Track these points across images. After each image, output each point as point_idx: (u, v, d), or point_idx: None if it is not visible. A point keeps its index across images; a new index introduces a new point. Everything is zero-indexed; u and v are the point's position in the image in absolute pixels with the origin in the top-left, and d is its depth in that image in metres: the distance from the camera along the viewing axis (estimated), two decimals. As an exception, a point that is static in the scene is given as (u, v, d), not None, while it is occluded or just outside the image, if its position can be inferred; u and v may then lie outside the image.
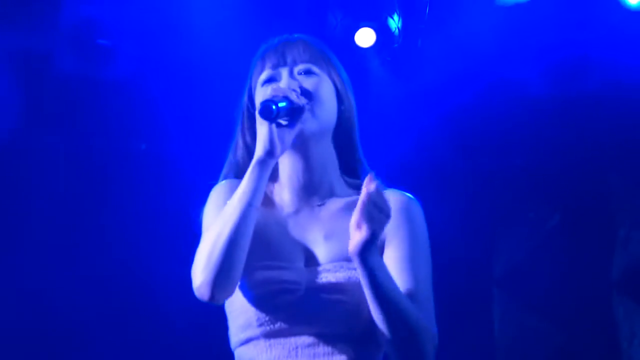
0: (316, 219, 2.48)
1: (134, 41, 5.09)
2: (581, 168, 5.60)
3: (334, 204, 2.49)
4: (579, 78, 5.19)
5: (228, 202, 2.39)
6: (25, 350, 5.27)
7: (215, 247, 2.33)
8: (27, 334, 5.28)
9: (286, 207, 2.51)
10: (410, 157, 5.44)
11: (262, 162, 2.38)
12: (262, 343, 2.40)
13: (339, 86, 2.53)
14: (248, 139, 2.55)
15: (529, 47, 5.20)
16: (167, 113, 5.25)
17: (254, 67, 2.56)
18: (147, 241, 5.33)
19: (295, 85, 2.46)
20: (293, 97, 2.39)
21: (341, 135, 2.54)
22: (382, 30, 5.02)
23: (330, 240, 2.43)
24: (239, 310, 2.42)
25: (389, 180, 2.56)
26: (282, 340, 2.38)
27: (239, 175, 2.54)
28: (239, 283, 2.39)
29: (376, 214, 2.23)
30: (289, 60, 2.51)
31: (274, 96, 2.38)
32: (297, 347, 2.38)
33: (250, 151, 2.52)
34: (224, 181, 2.55)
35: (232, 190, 2.46)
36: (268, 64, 2.52)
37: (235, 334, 2.45)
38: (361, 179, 2.55)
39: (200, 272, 2.34)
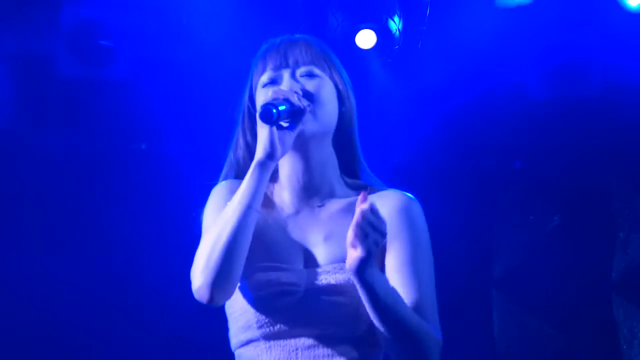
0: (316, 220, 2.47)
1: (134, 42, 5.09)
2: (581, 170, 5.60)
3: (334, 205, 2.48)
4: (579, 80, 5.18)
5: (228, 203, 2.38)
6: (25, 351, 5.27)
7: (215, 249, 2.33)
8: (27, 334, 5.28)
9: (286, 208, 2.50)
10: (411, 159, 5.44)
11: (263, 164, 2.37)
12: (262, 345, 2.40)
13: (340, 87, 2.53)
14: (248, 138, 2.54)
15: (529, 49, 5.20)
16: (167, 113, 5.25)
17: (254, 66, 2.55)
18: (148, 241, 5.33)
19: (297, 88, 2.45)
20: (294, 99, 2.38)
21: (341, 136, 2.54)
22: (382, 32, 5.02)
23: (330, 242, 2.43)
24: (239, 312, 2.42)
25: (390, 181, 2.56)
26: (282, 342, 2.38)
27: (239, 175, 2.54)
28: (238, 284, 2.39)
29: (370, 233, 2.22)
30: (290, 61, 2.50)
31: (274, 99, 2.37)
32: (297, 349, 2.38)
33: (250, 150, 2.52)
34: (224, 181, 2.54)
35: (232, 190, 2.46)
36: (269, 65, 2.51)
37: (236, 336, 2.45)
38: (361, 179, 2.56)
39: (200, 274, 2.34)
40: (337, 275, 2.38)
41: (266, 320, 2.38)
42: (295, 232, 2.47)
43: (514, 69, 5.29)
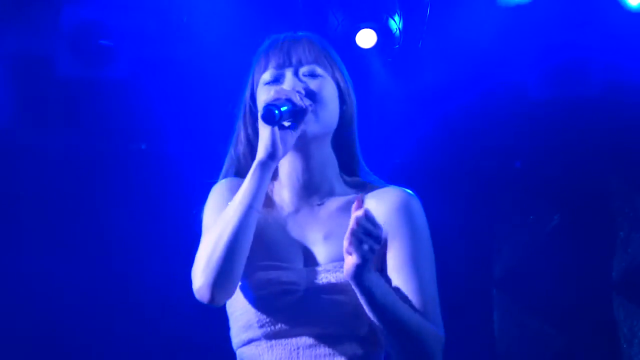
0: (316, 218, 2.47)
1: (134, 42, 5.09)
2: (581, 170, 5.60)
3: (334, 203, 2.48)
4: (580, 80, 5.18)
5: (229, 203, 2.38)
6: (25, 351, 5.27)
7: (216, 249, 2.33)
8: (27, 334, 5.28)
9: (286, 206, 2.50)
10: (411, 158, 5.44)
11: (264, 164, 2.37)
12: (264, 344, 2.39)
13: (342, 86, 2.52)
14: (250, 134, 2.54)
15: (529, 48, 5.20)
16: (167, 113, 5.25)
17: (256, 63, 2.54)
18: (148, 241, 5.33)
19: (299, 87, 2.44)
20: (296, 99, 2.37)
21: (341, 135, 2.53)
22: (383, 31, 5.02)
23: (330, 240, 2.43)
24: (240, 312, 2.41)
25: (390, 181, 2.56)
26: (283, 342, 2.38)
27: (239, 171, 2.53)
28: (239, 284, 2.39)
29: (365, 239, 2.22)
30: (294, 60, 2.49)
31: (276, 99, 2.36)
32: (298, 348, 2.38)
33: (251, 147, 2.51)
34: (224, 180, 2.54)
35: (232, 189, 2.46)
36: (272, 63, 2.50)
37: (237, 335, 2.44)
38: (360, 177, 2.55)
39: (200, 274, 2.34)
40: (338, 273, 2.37)
41: (267, 320, 2.37)
42: (295, 231, 2.47)
43: (514, 68, 5.28)
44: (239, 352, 2.45)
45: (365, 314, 2.34)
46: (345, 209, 2.44)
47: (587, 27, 5.10)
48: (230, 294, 2.37)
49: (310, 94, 2.44)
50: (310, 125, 2.42)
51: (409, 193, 2.48)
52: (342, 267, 2.35)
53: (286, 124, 2.37)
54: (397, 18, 5.00)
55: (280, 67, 2.49)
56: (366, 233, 2.22)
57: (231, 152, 2.57)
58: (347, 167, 2.56)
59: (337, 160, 2.53)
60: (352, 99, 2.55)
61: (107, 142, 5.44)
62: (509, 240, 5.75)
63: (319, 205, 2.48)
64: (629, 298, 5.55)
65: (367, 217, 2.22)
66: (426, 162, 5.52)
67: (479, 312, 5.67)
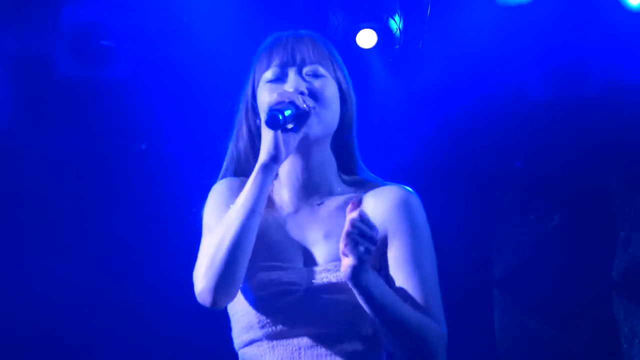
0: (315, 218, 2.47)
1: (134, 42, 5.08)
2: (582, 170, 5.60)
3: (333, 203, 2.48)
4: (580, 80, 5.18)
5: (231, 206, 2.38)
6: (26, 351, 5.27)
7: (218, 253, 2.33)
8: (27, 334, 5.28)
9: (285, 206, 2.50)
10: (411, 158, 5.44)
11: (266, 167, 2.37)
12: (265, 344, 2.40)
13: (343, 87, 2.52)
14: (251, 130, 2.53)
15: (529, 48, 5.19)
16: (168, 113, 5.25)
17: (258, 59, 2.53)
18: (148, 242, 5.33)
19: (303, 87, 2.44)
20: (299, 101, 2.37)
21: (340, 135, 2.53)
22: (383, 32, 5.01)
23: (330, 240, 2.43)
24: (241, 313, 2.42)
25: (390, 180, 2.56)
26: (284, 342, 2.38)
27: (239, 169, 2.53)
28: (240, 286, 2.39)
29: (361, 241, 2.22)
30: (298, 59, 2.48)
31: (279, 102, 2.36)
32: (300, 348, 2.38)
33: (253, 142, 2.52)
34: (223, 180, 2.54)
35: (231, 189, 2.46)
36: (275, 61, 2.49)
37: (239, 336, 2.45)
38: (358, 175, 2.55)
39: (202, 278, 2.34)
40: (338, 273, 2.36)
41: (268, 320, 2.38)
42: (295, 231, 2.47)
43: (514, 68, 5.28)
44: (240, 353, 2.45)
45: (366, 313, 2.34)
46: (345, 208, 2.42)
47: (587, 27, 5.09)
48: (232, 298, 2.37)
49: (314, 94, 2.44)
50: (312, 127, 2.42)
51: (408, 190, 2.49)
52: (342, 266, 2.37)
53: (289, 126, 2.37)
54: (397, 18, 5.00)
55: (284, 65, 2.48)
56: (361, 234, 2.22)
57: (231, 148, 2.57)
58: (346, 166, 2.56)
59: (336, 160, 2.53)
60: (352, 99, 2.55)
61: (107, 142, 5.44)
62: (509, 240, 5.75)
63: (318, 204, 2.48)
64: (629, 298, 5.55)
65: (362, 218, 2.22)
66: (426, 162, 5.52)
67: (479, 312, 5.67)
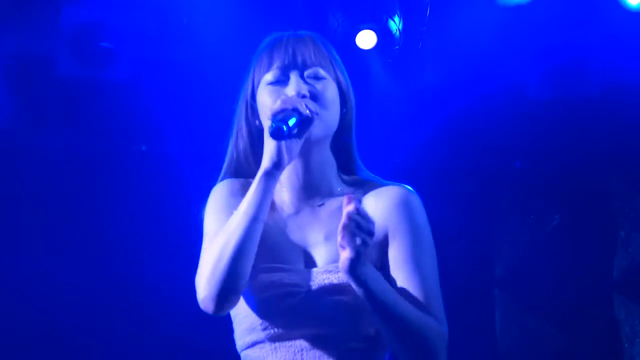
0: (316, 219, 2.47)
1: (134, 43, 5.08)
2: (582, 170, 5.60)
3: (333, 204, 2.48)
4: (579, 80, 5.18)
5: (234, 212, 2.37)
6: (26, 352, 5.27)
7: (220, 262, 2.32)
8: (26, 334, 5.28)
9: (286, 207, 2.50)
10: (411, 158, 5.44)
11: (269, 174, 2.36)
12: (268, 346, 2.40)
13: (343, 87, 2.52)
14: (251, 129, 2.53)
15: (529, 48, 5.19)
16: (168, 114, 5.25)
17: (258, 60, 2.52)
18: (148, 243, 5.33)
19: (305, 90, 2.43)
20: (302, 108, 2.36)
21: (340, 135, 2.53)
22: (383, 32, 5.01)
23: (331, 241, 2.42)
24: (244, 314, 2.42)
25: (391, 180, 2.56)
26: (287, 343, 2.39)
27: (239, 170, 2.53)
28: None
29: (358, 233, 2.23)
30: (299, 61, 2.47)
31: (283, 109, 2.35)
32: (302, 350, 2.38)
33: (252, 141, 2.52)
34: (224, 181, 2.53)
35: (232, 190, 2.46)
36: (276, 63, 2.48)
37: (241, 338, 2.45)
38: (358, 175, 2.55)
39: (205, 286, 2.34)
40: (339, 274, 2.36)
41: (270, 322, 2.38)
42: (296, 232, 2.47)
43: (514, 69, 5.28)
44: (243, 355, 2.46)
45: (368, 314, 2.34)
46: (345, 209, 2.45)
47: (587, 27, 5.09)
48: (234, 304, 2.37)
49: (315, 97, 2.43)
50: (314, 130, 2.42)
51: (408, 189, 2.49)
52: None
53: (293, 132, 2.36)
54: (397, 19, 5.00)
55: (285, 68, 2.48)
56: (358, 227, 2.22)
57: (231, 149, 2.56)
58: (345, 167, 2.56)
59: (335, 160, 2.53)
60: (352, 99, 2.55)
61: (107, 143, 5.44)
62: (509, 240, 5.75)
63: (319, 206, 2.49)
64: (630, 297, 5.55)
65: (359, 211, 2.22)
66: (426, 162, 5.53)
67: (480, 312, 5.68)
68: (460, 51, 5.14)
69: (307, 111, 2.37)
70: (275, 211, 2.49)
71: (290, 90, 2.44)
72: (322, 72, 2.48)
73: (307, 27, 2.65)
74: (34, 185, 5.37)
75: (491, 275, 5.73)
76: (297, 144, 2.37)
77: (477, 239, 5.73)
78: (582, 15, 5.08)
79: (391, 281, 2.39)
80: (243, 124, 2.54)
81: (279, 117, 2.34)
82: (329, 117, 2.46)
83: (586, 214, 5.65)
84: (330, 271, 2.39)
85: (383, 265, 2.42)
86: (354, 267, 2.26)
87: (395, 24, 5.00)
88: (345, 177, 2.54)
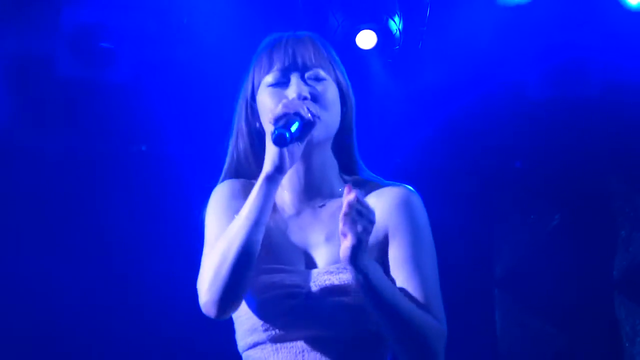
0: (317, 220, 2.47)
1: (134, 43, 5.08)
2: (582, 169, 5.60)
3: (334, 205, 2.47)
4: (579, 80, 5.18)
5: (235, 216, 2.37)
6: (26, 352, 5.27)
7: (222, 266, 2.32)
8: (26, 335, 5.28)
9: (287, 209, 2.50)
10: (411, 158, 5.44)
11: (271, 178, 2.36)
12: (269, 347, 2.40)
13: (343, 88, 2.52)
14: (252, 129, 2.52)
15: (529, 48, 5.19)
16: (168, 115, 5.25)
17: (258, 61, 2.51)
18: (148, 243, 5.33)
19: (306, 92, 2.43)
20: (304, 112, 2.36)
21: (340, 136, 2.53)
22: (383, 32, 5.01)
23: (332, 242, 2.43)
24: (245, 315, 2.42)
25: (391, 180, 2.56)
26: (288, 344, 2.39)
27: (240, 170, 2.53)
28: None
29: (359, 220, 2.23)
30: (299, 64, 2.47)
31: (285, 114, 2.34)
32: (303, 351, 2.38)
33: (253, 143, 2.51)
34: (224, 182, 2.53)
35: (232, 192, 2.46)
36: (277, 65, 2.48)
37: (242, 338, 2.45)
38: (359, 175, 2.55)
39: (206, 291, 2.34)
40: (341, 275, 2.37)
41: (272, 323, 2.38)
42: (297, 233, 2.47)
43: (514, 68, 5.28)
44: (244, 356, 2.46)
45: (370, 315, 2.35)
46: (346, 209, 2.45)
47: (587, 27, 5.09)
48: (236, 308, 2.38)
49: (316, 99, 2.43)
50: (315, 132, 2.41)
51: (409, 189, 2.49)
52: (345, 268, 2.35)
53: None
54: (397, 19, 4.99)
55: (285, 69, 2.47)
56: (359, 214, 2.23)
57: (231, 150, 2.56)
58: (346, 167, 2.56)
59: (336, 161, 2.53)
60: (352, 100, 2.54)
61: (107, 143, 5.44)
62: (509, 240, 5.75)
63: (320, 207, 2.49)
64: (631, 297, 5.55)
65: (359, 200, 2.23)
66: (427, 162, 5.53)
67: (480, 312, 5.68)
68: (460, 51, 5.14)
69: (309, 115, 2.36)
70: (276, 212, 2.49)
71: (291, 92, 2.44)
72: (322, 74, 2.48)
73: (307, 27, 2.65)
74: (34, 186, 5.37)
75: (491, 275, 5.73)
76: (298, 148, 2.37)
77: (477, 239, 5.73)
78: (582, 15, 5.08)
79: (391, 281, 2.39)
80: (243, 124, 2.54)
81: (281, 122, 2.33)
82: (330, 118, 2.46)
83: (586, 214, 5.65)
84: (332, 272, 2.39)
85: (383, 265, 2.41)
86: (355, 255, 2.26)
87: (395, 24, 5.00)
88: (346, 177, 2.54)
